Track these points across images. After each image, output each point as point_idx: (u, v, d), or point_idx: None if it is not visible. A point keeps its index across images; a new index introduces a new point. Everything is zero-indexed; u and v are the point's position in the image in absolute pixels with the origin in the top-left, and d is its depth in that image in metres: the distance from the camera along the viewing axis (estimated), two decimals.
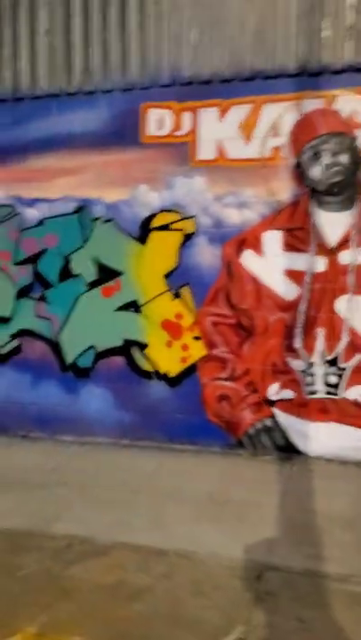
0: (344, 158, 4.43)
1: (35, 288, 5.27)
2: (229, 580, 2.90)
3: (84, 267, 5.11)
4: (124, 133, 4.87)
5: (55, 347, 5.26)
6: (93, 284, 5.11)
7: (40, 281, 5.25)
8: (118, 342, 5.09)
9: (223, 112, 4.64)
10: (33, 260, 5.25)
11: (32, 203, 5.18)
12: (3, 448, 5.07)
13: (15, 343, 5.36)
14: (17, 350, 5.37)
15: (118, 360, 5.11)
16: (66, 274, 5.17)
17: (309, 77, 4.43)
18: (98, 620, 2.67)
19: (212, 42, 4.60)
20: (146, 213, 4.90)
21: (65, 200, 5.09)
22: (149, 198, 4.88)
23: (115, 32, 4.83)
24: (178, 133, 4.75)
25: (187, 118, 4.73)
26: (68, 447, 5.03)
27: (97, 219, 5.03)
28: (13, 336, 5.36)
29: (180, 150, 4.75)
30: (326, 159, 4.45)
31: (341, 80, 4.38)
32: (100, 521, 3.60)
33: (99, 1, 4.84)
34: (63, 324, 5.21)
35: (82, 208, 5.05)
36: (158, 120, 4.78)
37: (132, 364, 5.07)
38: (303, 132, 4.50)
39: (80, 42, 4.93)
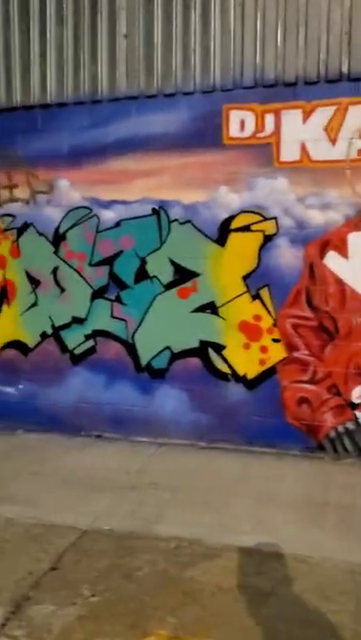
0: None
1: (110, 289, 5.29)
2: (354, 586, 2.88)
3: (160, 268, 5.12)
4: (204, 135, 4.87)
5: (130, 347, 5.28)
6: (169, 286, 5.12)
7: (116, 282, 5.27)
8: (195, 344, 5.09)
9: (307, 114, 4.61)
10: (109, 261, 5.27)
11: (109, 204, 5.20)
12: (80, 448, 5.10)
13: (90, 344, 5.39)
14: (91, 351, 5.40)
15: (194, 361, 5.11)
16: (142, 275, 5.19)
17: None
18: (226, 625, 2.66)
19: (297, 43, 4.58)
20: (225, 215, 4.89)
21: (142, 202, 5.10)
22: (229, 199, 4.87)
23: (197, 34, 4.83)
24: (260, 135, 4.74)
25: (269, 120, 4.71)
26: (146, 448, 5.04)
27: (174, 220, 5.04)
28: (88, 336, 5.39)
29: (263, 152, 4.74)
30: None
31: None
32: (202, 523, 3.60)
33: (180, 3, 4.85)
34: (138, 325, 5.23)
35: (159, 210, 5.06)
36: (240, 121, 4.78)
37: (208, 365, 5.07)
38: None
39: (161, 44, 4.93)
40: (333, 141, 4.59)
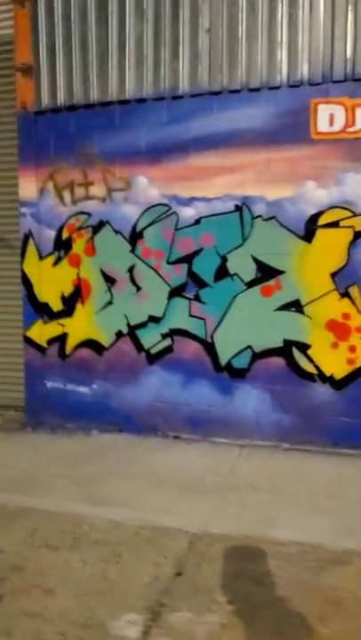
0: None
1: (188, 287, 5.21)
2: None
3: (242, 266, 5.03)
4: (291, 130, 4.78)
5: (209, 347, 5.19)
6: (252, 284, 5.02)
7: (194, 280, 5.19)
8: (278, 343, 4.99)
9: None
10: (188, 259, 5.19)
11: (189, 201, 5.12)
12: (162, 449, 5.02)
13: (167, 342, 5.31)
14: (168, 350, 5.32)
15: (278, 361, 5.01)
16: (222, 273, 5.10)
17: None
18: None
19: None
20: (313, 210, 4.79)
21: (224, 199, 5.02)
22: (317, 195, 4.77)
23: (284, 27, 4.73)
24: (351, 129, 4.63)
25: (360, 114, 4.60)
26: (229, 449, 4.95)
27: (258, 217, 4.94)
28: (165, 335, 5.31)
29: (353, 146, 4.63)
30: None
31: None
32: (317, 527, 3.50)
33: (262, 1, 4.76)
34: (218, 323, 5.14)
35: (242, 206, 4.97)
36: (329, 116, 4.67)
37: (292, 365, 4.97)
38: None
39: (245, 39, 4.84)
40: None
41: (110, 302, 5.46)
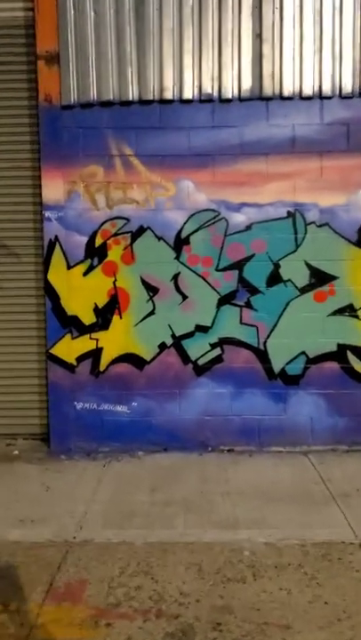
0: None
1: (239, 295, 5.09)
2: None
3: (295, 272, 5.05)
4: (344, 138, 4.92)
5: (261, 354, 5.11)
6: (305, 290, 5.06)
7: (246, 287, 5.08)
8: (332, 347, 5.08)
9: None
10: (238, 265, 5.06)
11: (239, 207, 5.00)
12: (230, 463, 4.81)
13: (216, 352, 5.11)
14: (217, 360, 5.13)
15: (332, 365, 5.10)
16: (275, 279, 5.06)
17: None
18: None
19: None
20: None
21: (276, 205, 5.00)
22: None
23: (335, 39, 4.87)
24: None
25: None
26: (296, 457, 4.92)
27: (311, 223, 5.00)
28: (213, 345, 5.12)
29: None
30: None
31: None
32: None
33: (314, 9, 4.86)
34: (271, 330, 5.09)
35: (295, 212, 4.99)
36: None
37: (347, 369, 5.09)
38: None
39: (297, 46, 4.89)
40: None
41: (152, 312, 5.11)
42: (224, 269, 5.08)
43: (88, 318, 5.14)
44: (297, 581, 3.05)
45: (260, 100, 4.95)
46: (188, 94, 4.95)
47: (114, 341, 5.15)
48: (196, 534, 3.57)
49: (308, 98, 4.93)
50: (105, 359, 5.16)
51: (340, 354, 5.09)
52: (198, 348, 5.14)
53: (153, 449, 5.12)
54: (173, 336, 5.13)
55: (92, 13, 4.92)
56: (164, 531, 3.64)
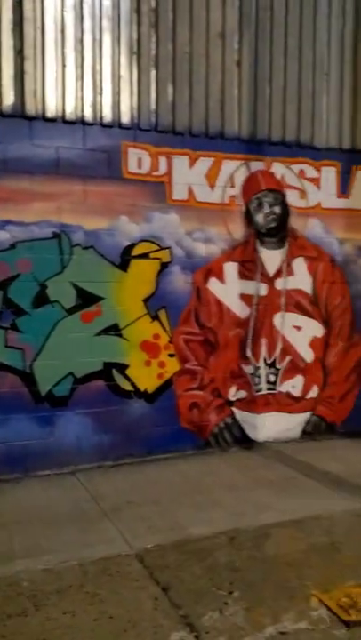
0: (278, 209, 5.86)
1: (3, 316, 4.89)
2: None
3: (61, 293, 5.06)
4: (105, 166, 5.15)
5: (28, 378, 4.98)
6: (72, 310, 5.11)
7: (10, 308, 4.91)
8: (99, 366, 5.22)
9: (193, 161, 5.46)
10: (1, 286, 4.87)
11: (3, 225, 4.84)
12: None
13: None
14: None
15: (98, 384, 5.22)
16: (41, 300, 5.01)
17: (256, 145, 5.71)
18: None
19: (187, 100, 5.40)
20: (126, 242, 5.26)
21: (41, 224, 4.97)
22: (130, 229, 5.27)
23: (105, 75, 5.09)
24: (155, 174, 5.33)
25: (162, 161, 5.34)
26: (65, 478, 4.89)
27: (77, 245, 5.09)
28: None
29: (158, 189, 5.34)
30: (266, 209, 5.80)
31: (275, 151, 5.80)
32: (232, 514, 4.05)
33: (75, 38, 5.02)
34: (38, 352, 5.00)
35: (60, 233, 5.03)
36: (138, 159, 5.26)
37: (112, 386, 5.27)
38: (251, 186, 5.74)
39: (67, 70, 4.98)
40: (212, 187, 5.57)
41: None
42: None
43: None
44: (80, 602, 3.03)
45: (22, 118, 4.88)
46: None
47: None
48: None
49: (72, 122, 5.04)
50: None
51: (106, 372, 5.25)
52: None
53: None
54: None
55: None
56: None
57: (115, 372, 5.28)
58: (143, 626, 2.82)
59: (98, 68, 5.11)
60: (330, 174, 6.03)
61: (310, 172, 5.95)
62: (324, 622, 2.84)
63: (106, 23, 5.09)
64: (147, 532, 3.82)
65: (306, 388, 6.02)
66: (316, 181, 5.98)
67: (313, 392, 6.06)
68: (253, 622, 2.83)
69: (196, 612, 2.92)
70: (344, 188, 6.09)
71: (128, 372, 5.32)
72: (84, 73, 5.07)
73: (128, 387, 5.33)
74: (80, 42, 5.04)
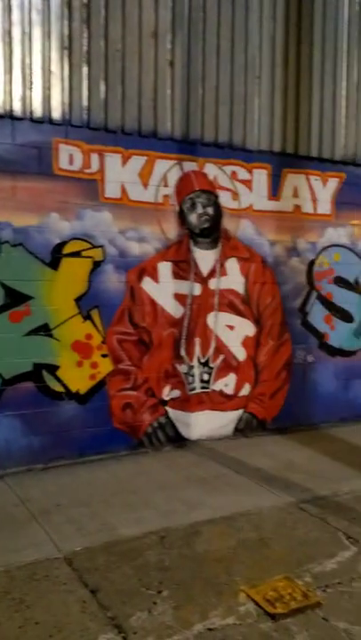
0: (210, 210, 5.92)
1: None
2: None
3: None
4: (35, 162, 5.00)
5: None
6: (0, 310, 4.96)
7: None
8: (28, 367, 5.09)
9: (125, 159, 5.42)
10: None
11: None
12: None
13: None
14: None
15: (27, 385, 5.09)
16: None
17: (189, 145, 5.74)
18: None
19: (119, 98, 5.35)
20: (57, 240, 5.15)
21: None
22: (61, 226, 5.16)
23: (36, 69, 4.97)
24: (87, 171, 5.24)
25: (94, 159, 5.27)
26: None
27: (5, 242, 4.94)
28: None
29: (90, 186, 5.25)
30: (199, 209, 5.84)
31: (208, 152, 5.85)
32: (151, 514, 4.03)
33: (3, 29, 4.88)
34: None
35: None
36: (69, 156, 5.16)
37: (42, 387, 5.15)
38: (184, 186, 5.76)
39: None
40: (145, 186, 5.56)
41: None
42: None
43: None
44: (5, 609, 2.94)
45: None
46: None
47: None
48: None
49: (0, 116, 4.90)
50: None
51: (35, 373, 5.13)
52: None
53: None
54: None
55: None
56: None
57: (45, 374, 5.16)
58: (70, 629, 2.77)
59: (27, 61, 4.98)
60: (261, 176, 6.14)
61: (242, 173, 6.04)
62: (251, 616, 2.89)
63: (35, 16, 4.97)
64: (76, 535, 3.76)
65: (238, 386, 6.12)
66: (248, 183, 6.08)
67: (245, 390, 6.16)
68: (182, 620, 2.84)
69: (125, 612, 2.90)
70: (275, 191, 6.23)
71: (59, 373, 5.22)
72: (12, 66, 4.92)
73: (59, 388, 5.22)
74: (8, 34, 4.90)
